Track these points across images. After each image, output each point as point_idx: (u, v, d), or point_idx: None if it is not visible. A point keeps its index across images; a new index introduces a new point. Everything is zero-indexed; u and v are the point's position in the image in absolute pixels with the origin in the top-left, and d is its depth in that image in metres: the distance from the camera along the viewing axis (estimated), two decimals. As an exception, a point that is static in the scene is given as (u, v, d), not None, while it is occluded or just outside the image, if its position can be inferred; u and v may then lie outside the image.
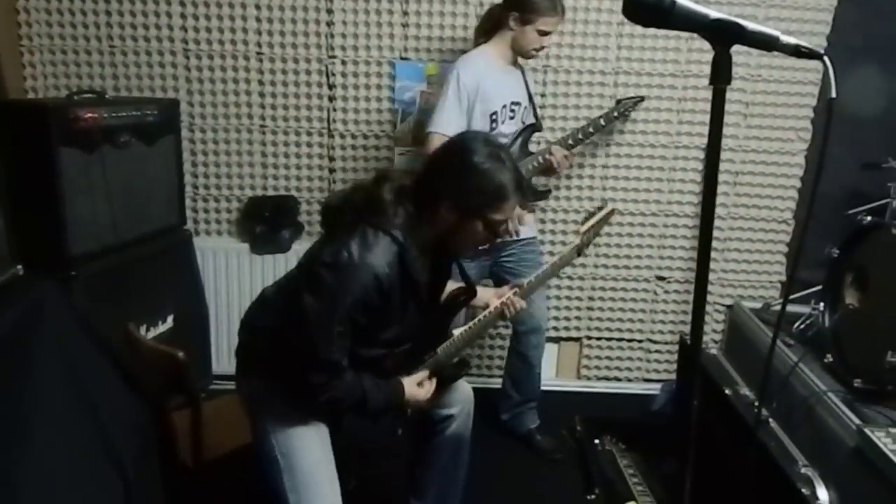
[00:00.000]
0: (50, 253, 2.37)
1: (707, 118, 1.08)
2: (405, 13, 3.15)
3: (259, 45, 3.17)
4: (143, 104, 2.84)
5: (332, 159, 3.32)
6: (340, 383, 1.70)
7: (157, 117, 2.85)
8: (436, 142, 2.53)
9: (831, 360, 2.58)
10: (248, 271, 3.30)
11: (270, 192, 3.36)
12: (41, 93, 3.15)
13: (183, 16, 3.12)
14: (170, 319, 2.95)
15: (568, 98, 3.24)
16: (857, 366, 2.46)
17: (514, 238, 2.76)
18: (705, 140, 1.12)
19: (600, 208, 2.20)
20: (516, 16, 2.59)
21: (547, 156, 2.76)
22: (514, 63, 2.75)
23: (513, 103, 2.72)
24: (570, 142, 2.88)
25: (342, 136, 3.29)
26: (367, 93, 3.23)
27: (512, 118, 2.73)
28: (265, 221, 3.28)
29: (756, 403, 2.28)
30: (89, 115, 2.48)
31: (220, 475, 2.07)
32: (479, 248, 1.83)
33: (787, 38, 1.03)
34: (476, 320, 2.07)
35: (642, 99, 3.14)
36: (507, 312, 2.07)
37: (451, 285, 2.07)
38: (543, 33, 2.61)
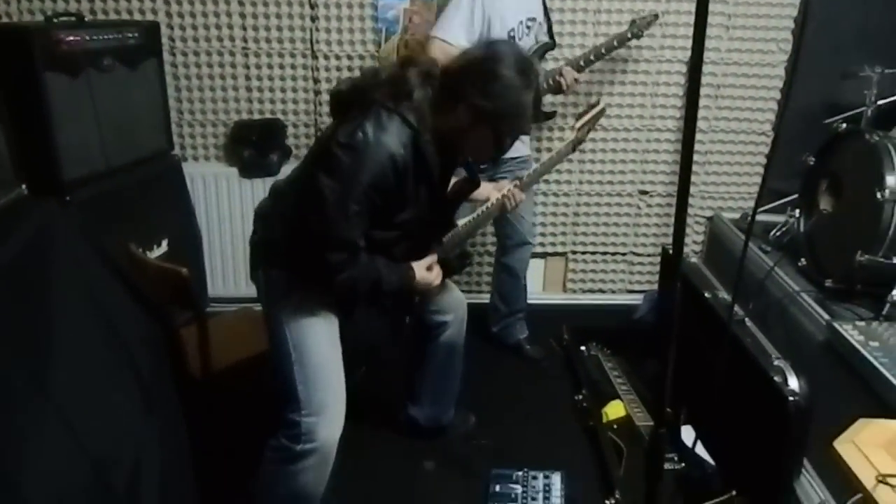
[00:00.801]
0: (43, 179, 2.38)
1: (690, 32, 1.12)
2: (386, -73, 3.09)
3: (237, -37, 3.11)
4: (123, 27, 2.79)
5: (316, 81, 3.31)
6: (357, 263, 1.75)
7: (138, 40, 2.81)
8: (436, 49, 2.51)
9: (805, 263, 2.72)
10: (239, 195, 3.33)
11: (256, 116, 3.36)
12: (15, 17, 3.08)
13: (157, -66, 3.05)
14: (164, 244, 2.99)
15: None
16: (828, 267, 2.60)
17: (511, 156, 2.77)
18: (688, 54, 1.16)
19: (592, 106, 2.25)
20: None
21: (557, 77, 2.74)
22: None
23: (529, 19, 2.69)
24: (582, 63, 2.84)
25: (326, 58, 3.26)
26: (349, 12, 3.20)
27: (528, 34, 2.71)
28: (252, 145, 3.29)
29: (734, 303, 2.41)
30: (71, 38, 2.45)
31: (225, 385, 2.18)
32: (479, 158, 1.87)
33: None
34: (479, 212, 2.14)
35: (657, 17, 2.97)
36: (508, 204, 2.13)
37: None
38: None
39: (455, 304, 2.29)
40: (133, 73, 2.80)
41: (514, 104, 1.70)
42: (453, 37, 2.51)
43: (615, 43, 2.90)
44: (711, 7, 1.09)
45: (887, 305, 2.33)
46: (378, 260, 1.83)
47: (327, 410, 1.78)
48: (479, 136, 1.75)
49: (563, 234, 3.62)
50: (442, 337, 2.29)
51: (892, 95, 2.88)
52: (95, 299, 1.57)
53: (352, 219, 1.68)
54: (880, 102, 2.83)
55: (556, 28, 2.97)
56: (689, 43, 1.13)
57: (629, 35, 2.91)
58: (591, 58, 2.87)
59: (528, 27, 2.71)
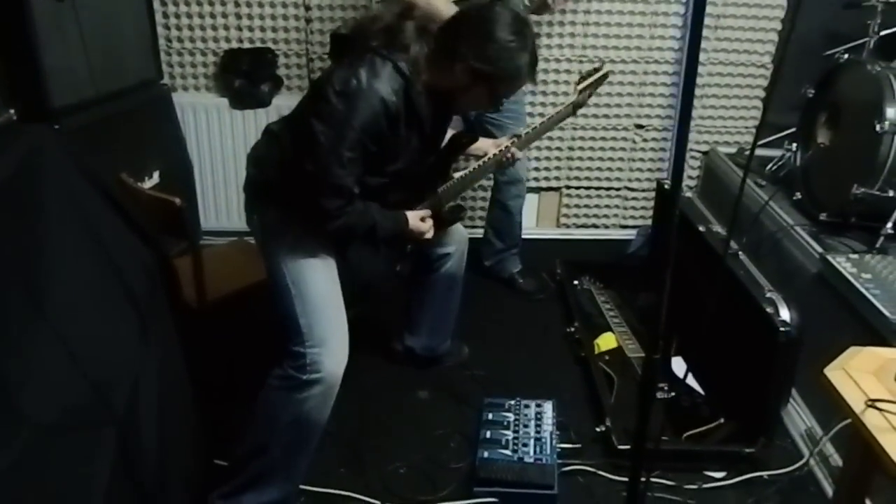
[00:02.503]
0: (32, 105, 2.32)
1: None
2: None
3: None
4: (106, -52, 2.68)
5: (308, 8, 3.22)
6: (352, 209, 1.77)
7: (122, -38, 2.71)
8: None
9: (800, 196, 2.72)
10: (230, 127, 3.28)
11: (246, 45, 3.28)
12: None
13: None
14: (156, 175, 2.95)
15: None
16: (823, 200, 2.60)
17: None
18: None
19: (597, 69, 2.21)
20: None
21: None
22: None
23: None
24: None
25: (318, -16, 3.17)
26: (341, -65, 3.09)
27: None
28: (243, 75, 3.22)
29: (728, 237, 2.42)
30: (54, -42, 2.36)
31: (221, 314, 2.19)
32: (475, 110, 1.99)
33: None
34: (475, 166, 2.15)
35: None
36: (505, 161, 2.15)
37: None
38: None
39: (457, 238, 2.32)
40: (118, -2, 2.71)
41: (510, 66, 1.72)
42: None
43: None
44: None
45: (881, 238, 2.33)
46: (372, 207, 1.85)
47: (330, 342, 1.79)
48: (476, 94, 1.80)
49: (558, 168, 3.59)
50: (443, 269, 2.32)
51: (896, 26, 2.83)
52: (89, 224, 1.55)
53: (346, 165, 1.70)
54: (883, 33, 2.77)
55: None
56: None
57: None
58: None
59: None
